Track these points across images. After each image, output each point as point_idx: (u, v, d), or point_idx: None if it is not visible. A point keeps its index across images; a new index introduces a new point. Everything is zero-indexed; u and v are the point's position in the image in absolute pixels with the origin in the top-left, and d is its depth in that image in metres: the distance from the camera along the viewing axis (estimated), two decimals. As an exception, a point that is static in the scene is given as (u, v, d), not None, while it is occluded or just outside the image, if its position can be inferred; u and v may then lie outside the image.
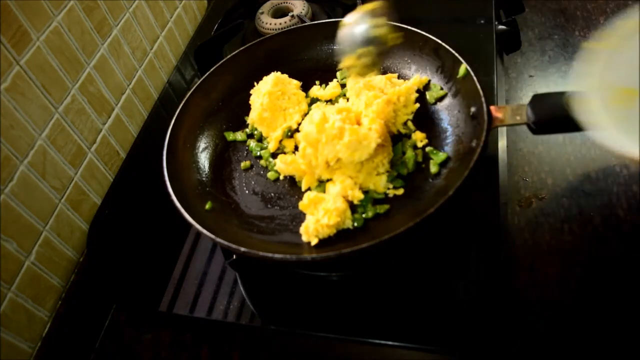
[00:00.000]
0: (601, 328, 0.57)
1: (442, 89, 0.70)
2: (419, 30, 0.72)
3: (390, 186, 0.63)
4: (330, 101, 0.75)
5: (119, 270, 0.71)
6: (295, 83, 0.76)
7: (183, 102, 0.73)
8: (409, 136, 0.68)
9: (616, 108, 0.50)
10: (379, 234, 0.53)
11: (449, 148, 0.65)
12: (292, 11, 0.96)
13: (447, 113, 0.68)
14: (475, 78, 0.63)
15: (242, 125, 0.77)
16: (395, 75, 0.73)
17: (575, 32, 0.89)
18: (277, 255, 0.54)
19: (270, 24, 0.95)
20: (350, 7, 0.98)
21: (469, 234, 0.65)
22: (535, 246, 0.65)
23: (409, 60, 0.75)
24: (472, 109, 0.63)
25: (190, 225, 0.59)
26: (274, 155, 0.71)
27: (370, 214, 0.60)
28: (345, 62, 0.63)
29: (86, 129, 0.77)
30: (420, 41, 0.72)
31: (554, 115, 0.56)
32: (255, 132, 0.74)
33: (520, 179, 0.71)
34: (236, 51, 0.79)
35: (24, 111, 0.66)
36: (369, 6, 0.62)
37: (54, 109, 0.71)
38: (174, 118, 0.71)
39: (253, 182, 0.69)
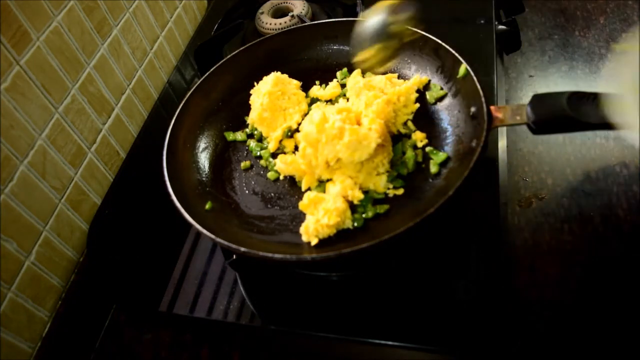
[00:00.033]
0: (601, 328, 0.57)
1: (442, 89, 0.70)
2: (419, 30, 0.71)
3: (390, 186, 0.63)
4: (330, 101, 0.75)
5: (119, 270, 0.71)
6: (295, 83, 0.76)
7: (183, 102, 0.73)
8: (409, 136, 0.68)
9: None
10: (379, 234, 0.53)
11: (449, 148, 0.65)
12: (292, 11, 0.96)
13: (447, 113, 0.68)
14: (475, 78, 0.63)
15: (242, 125, 0.77)
16: (395, 75, 0.73)
17: (575, 32, 0.89)
18: (277, 255, 0.54)
19: (270, 24, 0.95)
20: (351, 7, 0.98)
21: (469, 234, 0.65)
22: (535, 246, 0.65)
23: (409, 60, 0.75)
24: (472, 109, 0.63)
25: (190, 225, 0.59)
26: (274, 155, 0.71)
27: (370, 214, 0.60)
28: (361, 55, 0.63)
29: (86, 129, 0.77)
30: (420, 41, 0.72)
31: (554, 115, 0.56)
32: (255, 132, 0.74)
33: (520, 179, 0.71)
34: (236, 51, 0.79)
35: (24, 111, 0.66)
36: (389, 1, 0.63)
37: (54, 109, 0.71)
38: (174, 118, 0.71)
39: (253, 182, 0.69)
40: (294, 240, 0.61)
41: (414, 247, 0.64)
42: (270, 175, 0.69)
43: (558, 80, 0.83)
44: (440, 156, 0.63)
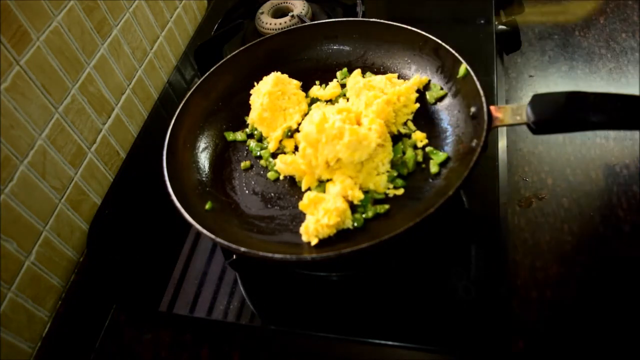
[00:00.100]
0: (601, 328, 0.57)
1: (442, 89, 0.70)
2: (419, 30, 0.71)
3: (390, 186, 0.63)
4: (330, 101, 0.75)
5: (119, 270, 0.71)
6: (295, 83, 0.76)
7: (183, 102, 0.73)
8: (409, 136, 0.68)
9: None
10: (379, 234, 0.52)
11: (449, 148, 0.65)
12: (292, 11, 0.96)
13: (447, 113, 0.68)
14: (475, 78, 0.63)
15: (242, 125, 0.77)
16: (395, 75, 0.73)
17: (575, 32, 0.89)
18: (277, 255, 0.54)
19: (270, 24, 0.95)
20: (351, 7, 0.98)
21: (469, 234, 0.65)
22: (535, 246, 0.65)
23: (409, 60, 0.74)
24: (472, 109, 0.63)
25: (190, 225, 0.58)
26: (274, 155, 0.71)
27: (370, 214, 0.60)
28: None
29: (86, 129, 0.77)
30: (420, 41, 0.72)
31: (554, 115, 0.56)
32: (255, 132, 0.74)
33: (520, 179, 0.71)
34: (236, 51, 0.79)
35: (24, 111, 0.66)
36: None
37: (54, 109, 0.71)
38: (174, 118, 0.71)
39: (253, 182, 0.69)
40: (294, 240, 0.61)
41: (414, 247, 0.64)
42: (270, 175, 0.69)
43: (558, 80, 0.83)
44: (440, 156, 0.63)
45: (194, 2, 1.06)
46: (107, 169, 0.82)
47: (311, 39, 0.81)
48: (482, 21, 0.87)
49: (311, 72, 0.79)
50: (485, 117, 0.58)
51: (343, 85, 0.76)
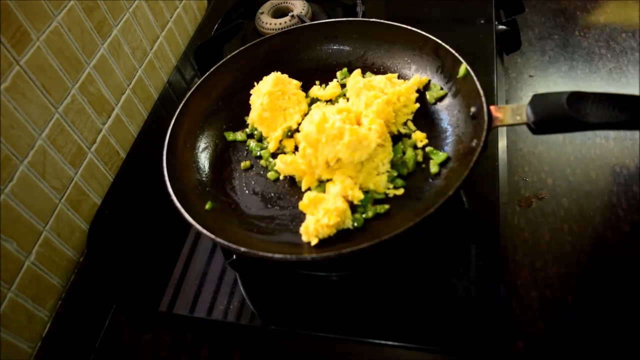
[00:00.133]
0: (601, 328, 0.57)
1: (442, 89, 0.70)
2: (419, 30, 0.71)
3: (390, 186, 0.63)
4: (330, 101, 0.75)
5: (119, 270, 0.71)
6: (295, 83, 0.76)
7: (183, 102, 0.73)
8: (409, 136, 0.68)
9: None
10: (379, 234, 0.52)
11: (449, 148, 0.65)
12: (292, 11, 0.96)
13: (447, 113, 0.68)
14: (475, 78, 0.63)
15: (242, 125, 0.77)
16: (395, 75, 0.73)
17: (575, 32, 0.89)
18: (277, 255, 0.54)
19: (270, 24, 0.95)
20: (351, 7, 0.98)
21: (469, 234, 0.65)
22: (535, 246, 0.65)
23: (409, 60, 0.74)
24: (472, 109, 0.63)
25: (190, 225, 0.58)
26: (274, 155, 0.71)
27: (370, 214, 0.60)
28: None
29: (86, 129, 0.77)
30: (420, 41, 0.72)
31: (554, 115, 0.55)
32: (255, 132, 0.74)
33: (520, 179, 0.71)
34: (236, 51, 0.79)
35: (24, 111, 0.66)
36: None
37: (54, 109, 0.71)
38: (174, 118, 0.71)
39: (253, 182, 0.69)
40: (294, 240, 0.61)
41: (414, 247, 0.64)
42: (270, 175, 0.69)
43: (558, 80, 0.83)
44: (440, 156, 0.63)
45: (194, 2, 1.06)
46: (107, 169, 0.82)
47: (311, 39, 0.81)
48: (482, 21, 0.87)
49: (311, 72, 0.79)
50: (485, 117, 0.58)
51: (343, 85, 0.76)
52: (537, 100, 0.57)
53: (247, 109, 0.75)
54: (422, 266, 0.63)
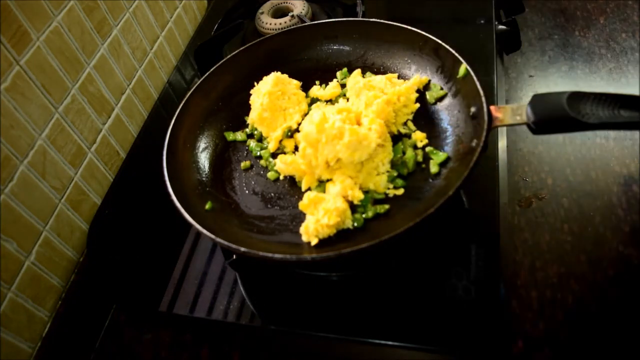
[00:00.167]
0: (601, 328, 0.57)
1: (442, 89, 0.70)
2: (419, 30, 0.71)
3: (390, 186, 0.63)
4: (330, 101, 0.75)
5: (119, 270, 0.71)
6: (295, 83, 0.76)
7: (183, 102, 0.73)
8: (409, 136, 0.68)
9: None
10: (379, 234, 0.53)
11: (449, 148, 0.65)
12: (292, 11, 0.96)
13: (447, 113, 0.68)
14: (475, 78, 0.63)
15: (242, 125, 0.77)
16: (395, 75, 0.73)
17: (575, 32, 0.89)
18: (277, 255, 0.54)
19: (270, 24, 0.95)
20: (351, 7, 0.98)
21: (469, 234, 0.65)
22: (535, 246, 0.65)
23: (409, 60, 0.74)
24: (472, 109, 0.63)
25: (190, 225, 0.58)
26: (274, 155, 0.71)
27: (370, 214, 0.60)
28: None
29: (86, 129, 0.77)
30: (420, 41, 0.72)
31: (554, 115, 0.55)
32: (255, 132, 0.74)
33: (520, 179, 0.71)
34: (236, 51, 0.79)
35: (24, 111, 0.66)
36: None
37: (54, 109, 0.71)
38: (174, 118, 0.71)
39: (253, 182, 0.69)
40: (294, 240, 0.61)
41: (414, 247, 0.64)
42: (270, 175, 0.69)
43: (558, 80, 0.83)
44: (440, 156, 0.63)
45: (194, 2, 1.06)
46: (107, 169, 0.82)
47: (311, 39, 0.81)
48: (482, 21, 0.87)
49: (311, 72, 0.79)
50: (485, 117, 0.58)
51: (343, 85, 0.76)
52: (537, 100, 0.57)
53: (247, 109, 0.75)
54: (422, 266, 0.63)
